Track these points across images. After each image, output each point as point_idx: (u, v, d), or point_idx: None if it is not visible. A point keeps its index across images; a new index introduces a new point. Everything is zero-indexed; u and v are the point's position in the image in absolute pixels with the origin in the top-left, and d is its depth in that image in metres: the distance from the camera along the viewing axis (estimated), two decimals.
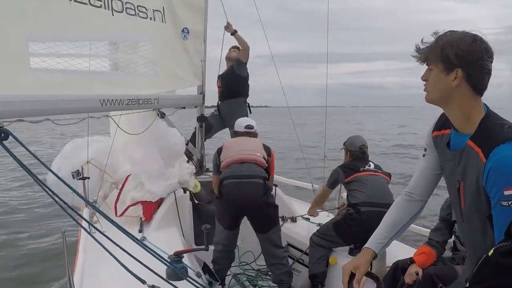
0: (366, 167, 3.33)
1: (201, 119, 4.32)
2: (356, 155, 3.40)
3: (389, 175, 3.41)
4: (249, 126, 3.53)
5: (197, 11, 3.89)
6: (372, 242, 1.65)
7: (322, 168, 4.16)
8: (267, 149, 3.39)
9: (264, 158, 3.24)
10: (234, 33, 4.73)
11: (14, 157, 1.69)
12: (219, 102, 5.10)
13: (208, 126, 4.62)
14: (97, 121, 3.21)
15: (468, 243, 1.56)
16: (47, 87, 2.31)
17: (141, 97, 2.98)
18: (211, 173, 4.30)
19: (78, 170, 4.10)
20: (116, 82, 2.89)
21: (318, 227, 3.45)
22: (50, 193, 1.79)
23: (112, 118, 3.23)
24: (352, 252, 3.21)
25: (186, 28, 3.71)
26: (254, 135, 3.54)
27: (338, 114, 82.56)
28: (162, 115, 3.75)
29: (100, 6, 2.66)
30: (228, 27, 4.71)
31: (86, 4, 2.55)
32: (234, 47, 5.03)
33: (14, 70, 2.13)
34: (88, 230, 2.66)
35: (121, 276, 1.87)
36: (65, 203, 1.82)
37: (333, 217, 3.57)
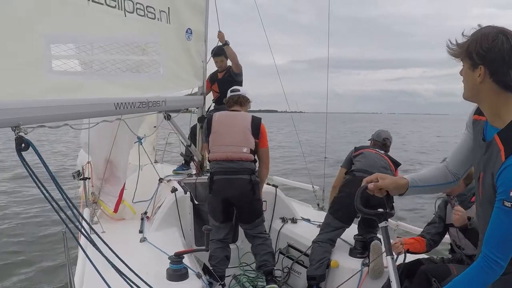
0: (377, 149, 3.56)
1: (202, 120, 4.32)
2: (378, 145, 3.68)
3: (396, 164, 3.53)
4: (234, 90, 3.62)
5: (199, 12, 3.89)
6: (409, 176, 1.71)
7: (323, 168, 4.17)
8: (256, 124, 3.40)
9: (251, 150, 3.33)
10: (225, 44, 4.71)
11: (28, 171, 1.67)
12: (215, 105, 5.12)
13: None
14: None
15: (481, 229, 1.60)
16: (67, 91, 2.27)
17: (151, 100, 2.98)
18: None
19: (78, 170, 4.10)
20: (126, 84, 2.86)
21: (318, 228, 3.49)
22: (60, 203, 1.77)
23: (124, 121, 3.23)
24: (352, 253, 3.23)
25: (189, 29, 3.72)
26: (242, 99, 3.55)
27: (373, 121, 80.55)
28: (168, 117, 3.75)
29: (115, 7, 2.64)
30: (220, 36, 4.67)
31: (103, 4, 2.52)
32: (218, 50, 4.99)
33: (37, 73, 2.09)
34: (89, 232, 2.65)
35: (121, 276, 1.87)
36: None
37: None
